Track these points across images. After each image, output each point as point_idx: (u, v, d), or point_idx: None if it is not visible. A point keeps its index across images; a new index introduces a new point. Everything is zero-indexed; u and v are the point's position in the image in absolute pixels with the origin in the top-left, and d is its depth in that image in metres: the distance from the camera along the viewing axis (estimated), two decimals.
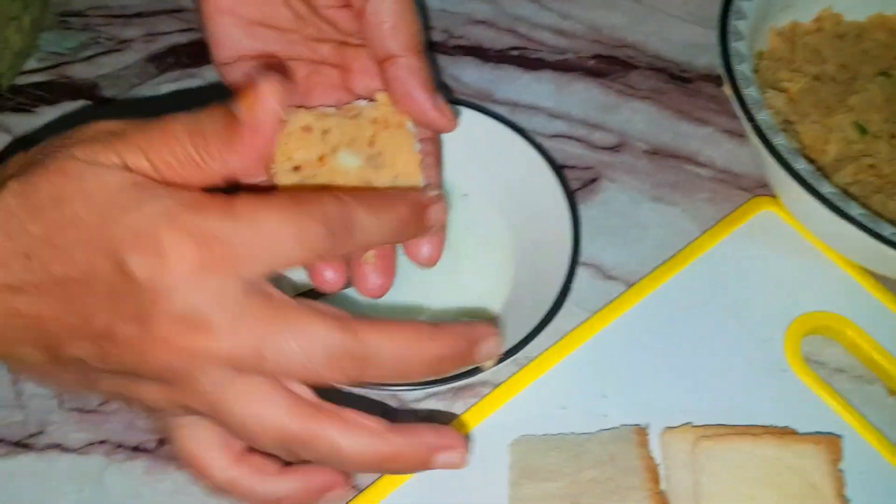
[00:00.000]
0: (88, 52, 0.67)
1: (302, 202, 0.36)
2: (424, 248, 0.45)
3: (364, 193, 0.39)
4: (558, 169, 0.56)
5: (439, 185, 0.47)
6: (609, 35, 0.69)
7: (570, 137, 0.64)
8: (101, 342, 0.35)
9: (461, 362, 0.39)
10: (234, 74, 0.48)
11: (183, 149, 0.36)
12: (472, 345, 0.38)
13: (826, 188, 0.51)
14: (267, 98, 0.37)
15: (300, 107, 0.44)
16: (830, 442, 0.49)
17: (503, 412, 0.52)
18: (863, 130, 0.59)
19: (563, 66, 0.67)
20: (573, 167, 0.63)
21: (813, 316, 0.56)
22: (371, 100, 0.45)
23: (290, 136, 0.42)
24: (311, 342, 0.35)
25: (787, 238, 0.58)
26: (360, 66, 0.48)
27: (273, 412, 0.35)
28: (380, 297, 0.46)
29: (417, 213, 0.40)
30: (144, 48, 0.67)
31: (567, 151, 0.63)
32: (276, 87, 0.37)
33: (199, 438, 0.39)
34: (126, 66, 0.66)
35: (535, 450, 0.49)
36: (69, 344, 0.35)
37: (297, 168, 0.42)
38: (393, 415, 0.53)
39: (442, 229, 0.45)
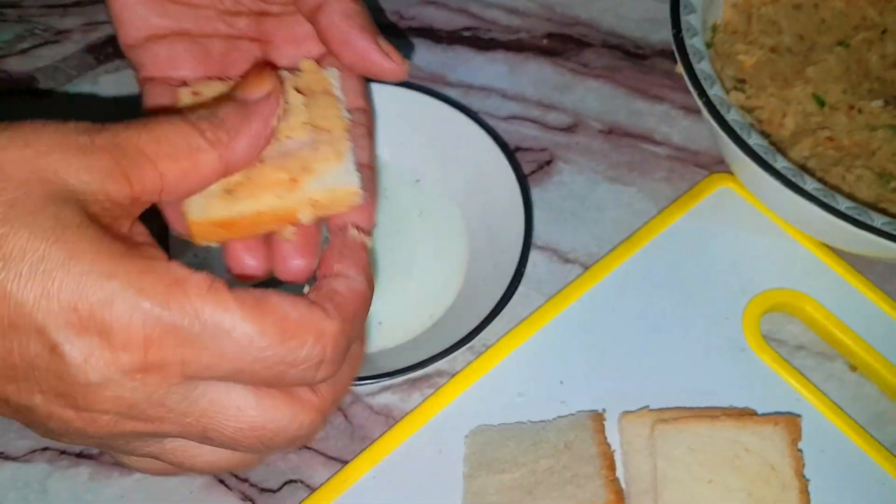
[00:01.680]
0: (25, 45, 0.64)
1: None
2: (293, 261, 0.40)
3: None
4: (511, 153, 0.55)
5: (370, 158, 0.43)
6: (562, 13, 0.68)
7: (524, 119, 0.63)
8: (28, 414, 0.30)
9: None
10: (143, 57, 0.44)
11: (185, 135, 0.33)
12: None
13: (780, 163, 0.50)
14: (270, 82, 0.36)
15: (216, 78, 0.42)
16: (789, 422, 0.48)
17: (460, 402, 0.51)
18: (821, 102, 0.58)
19: (517, 46, 0.66)
20: (528, 149, 0.61)
21: (772, 293, 0.55)
22: (295, 70, 0.42)
23: (206, 106, 0.38)
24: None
25: (745, 214, 0.57)
26: (284, 36, 0.45)
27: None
28: (303, 281, 0.41)
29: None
30: (83, 39, 0.64)
31: (522, 133, 0.62)
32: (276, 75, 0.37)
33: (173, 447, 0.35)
34: (64, 57, 0.63)
35: (492, 440, 0.48)
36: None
37: None
38: (347, 409, 0.52)
39: (368, 203, 0.40)
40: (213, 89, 0.41)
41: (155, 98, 0.43)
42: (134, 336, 0.29)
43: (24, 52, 0.64)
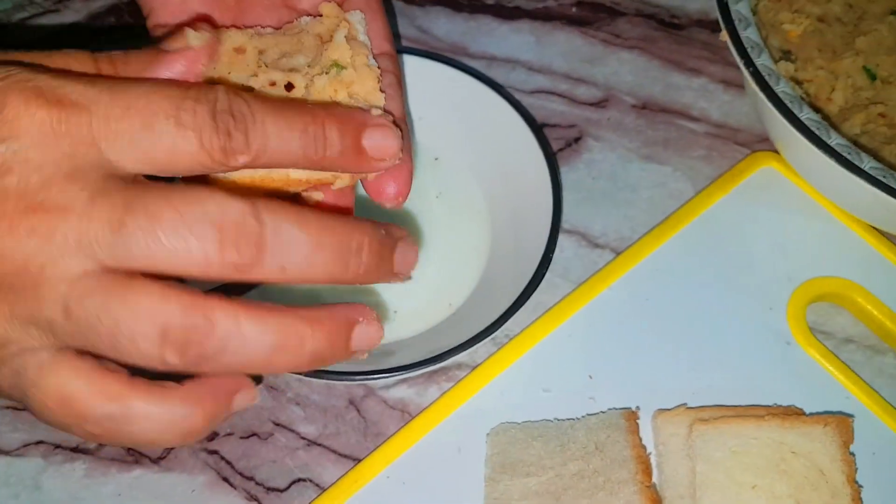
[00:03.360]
0: (23, 14, 0.61)
1: (188, 86, 0.31)
2: (389, 186, 0.39)
3: (272, 97, 0.33)
4: (538, 128, 0.51)
5: (401, 109, 0.40)
6: None
7: (551, 93, 0.59)
8: None
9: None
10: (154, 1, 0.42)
11: (81, 65, 0.32)
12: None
13: (835, 139, 0.46)
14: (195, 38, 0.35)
15: (232, 27, 0.39)
16: (840, 422, 0.44)
17: (481, 398, 0.47)
18: (872, 76, 0.53)
19: (543, 15, 0.62)
20: (555, 125, 0.57)
21: (819, 281, 0.51)
22: (316, 15, 0.40)
23: (221, 57, 0.37)
24: (192, 214, 0.29)
25: (790, 197, 0.53)
26: None
27: (150, 305, 0.29)
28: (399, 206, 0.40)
29: (345, 130, 0.34)
30: (84, 7, 0.61)
31: (548, 108, 0.58)
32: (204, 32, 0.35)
33: (70, 370, 0.30)
34: (64, 26, 0.60)
35: (516, 440, 0.44)
36: None
37: None
38: (359, 403, 0.48)
39: (405, 162, 0.38)
40: (229, 38, 0.38)
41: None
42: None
43: (22, 21, 0.61)
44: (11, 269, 0.29)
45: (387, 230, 0.34)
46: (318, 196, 0.39)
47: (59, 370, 0.30)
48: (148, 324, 0.29)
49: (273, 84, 0.37)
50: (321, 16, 0.40)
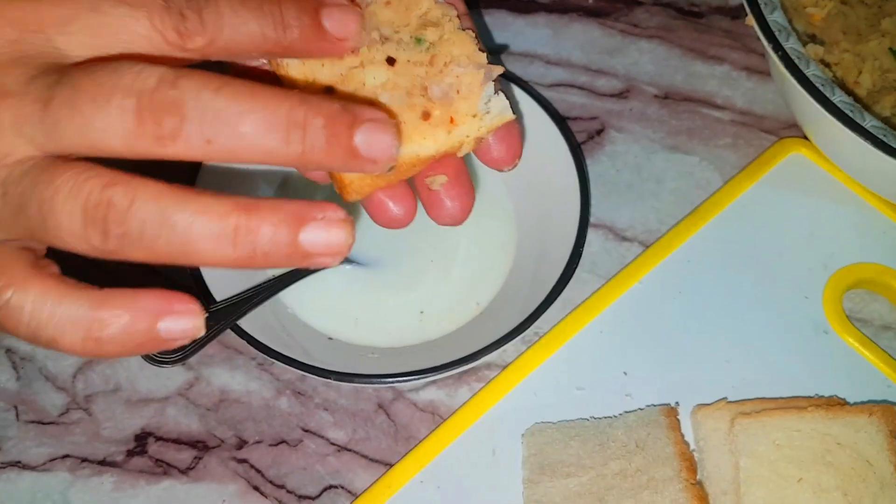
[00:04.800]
0: None
1: None
2: (501, 146, 0.37)
3: None
4: (562, 121, 0.50)
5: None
6: None
7: (571, 86, 0.58)
8: None
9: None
10: None
11: None
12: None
13: (870, 122, 0.44)
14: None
15: None
16: (886, 411, 0.43)
17: (513, 398, 0.46)
18: None
19: (560, 7, 0.61)
20: (576, 118, 0.56)
21: (854, 268, 0.50)
22: None
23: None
24: (111, 84, 0.27)
25: (821, 183, 0.52)
26: None
27: (72, 183, 0.28)
28: (460, 223, 0.39)
29: (302, 8, 0.32)
30: None
31: (568, 101, 0.57)
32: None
33: (1, 256, 0.30)
34: None
35: (553, 440, 0.43)
36: None
37: (329, 90, 0.35)
38: (388, 407, 0.47)
39: (512, 124, 0.37)
40: None
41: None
42: None
43: None
44: None
45: (345, 106, 0.29)
46: (441, 180, 0.38)
47: None
48: (69, 200, 0.28)
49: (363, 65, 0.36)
50: None
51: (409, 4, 0.37)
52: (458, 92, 0.35)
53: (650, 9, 0.60)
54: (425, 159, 0.35)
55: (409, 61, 0.36)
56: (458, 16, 0.37)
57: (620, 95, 0.57)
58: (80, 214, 0.28)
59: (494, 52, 0.59)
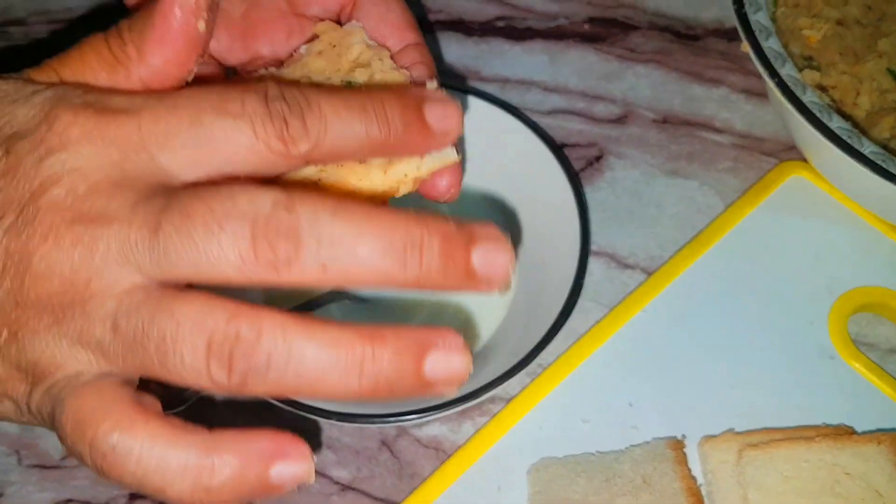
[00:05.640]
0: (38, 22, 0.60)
1: (235, 81, 0.31)
2: (441, 180, 0.37)
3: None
4: (559, 149, 0.50)
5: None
6: None
7: (568, 112, 0.57)
8: None
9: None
10: None
11: (98, 55, 0.31)
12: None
13: (868, 147, 0.44)
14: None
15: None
16: (894, 440, 0.43)
17: (518, 432, 0.45)
18: None
19: (556, 34, 0.61)
20: (574, 145, 0.56)
21: (859, 292, 0.49)
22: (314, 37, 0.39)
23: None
24: (223, 209, 0.27)
25: (822, 206, 0.52)
26: None
27: (195, 315, 0.27)
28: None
29: (405, 104, 0.31)
30: None
31: (566, 128, 0.57)
32: None
33: (95, 392, 0.28)
34: (76, 19, 0.60)
35: (559, 476, 0.42)
36: None
37: None
38: (392, 444, 0.47)
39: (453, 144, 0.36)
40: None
41: None
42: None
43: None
44: (59, 285, 0.27)
45: (460, 226, 0.28)
46: None
47: (85, 392, 0.28)
48: (193, 334, 0.27)
49: None
50: (316, 36, 0.39)
51: (341, 51, 0.37)
52: None
53: (646, 33, 0.60)
54: (366, 191, 0.35)
55: None
56: (391, 56, 0.37)
57: (618, 121, 0.57)
58: (204, 349, 0.27)
59: (491, 80, 0.59)
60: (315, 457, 0.28)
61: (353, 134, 0.30)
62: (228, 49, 0.41)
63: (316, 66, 0.37)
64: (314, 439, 0.47)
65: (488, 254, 0.28)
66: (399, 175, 0.35)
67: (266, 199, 0.27)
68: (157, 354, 0.27)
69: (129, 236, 0.27)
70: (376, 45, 0.38)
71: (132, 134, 0.29)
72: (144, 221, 0.27)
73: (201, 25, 0.31)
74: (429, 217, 0.28)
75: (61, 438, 0.28)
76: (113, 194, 0.28)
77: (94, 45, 0.32)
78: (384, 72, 0.37)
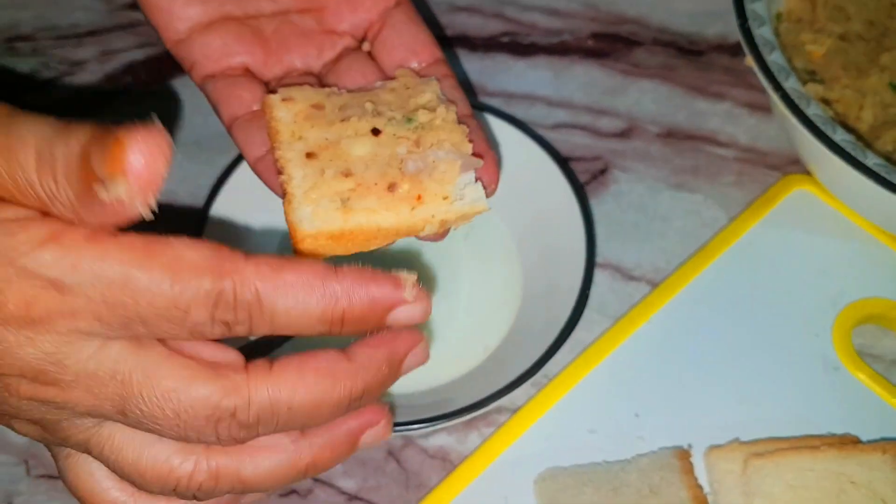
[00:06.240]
0: (40, 78, 0.61)
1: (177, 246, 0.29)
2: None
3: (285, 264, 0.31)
4: (564, 162, 0.51)
5: (468, 108, 0.41)
6: (607, 10, 0.63)
7: (573, 127, 0.58)
8: None
9: (383, 388, 0.34)
10: (193, 51, 0.41)
11: (24, 174, 0.28)
12: (395, 366, 0.34)
13: (871, 159, 0.45)
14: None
15: (306, 83, 0.40)
16: None
17: (524, 442, 0.46)
18: None
19: (560, 49, 0.61)
20: (579, 159, 0.57)
21: (863, 304, 0.50)
22: (389, 78, 0.41)
23: (298, 116, 0.38)
24: (184, 405, 0.30)
25: (826, 218, 0.52)
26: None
27: (147, 454, 0.32)
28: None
29: (368, 318, 0.32)
30: (99, 69, 0.61)
31: (571, 142, 0.57)
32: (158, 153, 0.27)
33: (90, 469, 0.34)
34: (81, 89, 0.60)
35: (566, 486, 0.43)
36: None
37: (310, 155, 0.37)
38: (398, 453, 0.47)
39: (489, 156, 0.38)
40: (305, 96, 0.39)
41: (230, 107, 0.40)
42: (13, 293, 0.28)
43: (39, 86, 0.61)
44: (29, 417, 0.32)
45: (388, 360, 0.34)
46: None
47: None
48: None
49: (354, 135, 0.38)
50: (393, 78, 0.41)
51: (413, 94, 0.39)
52: (431, 173, 0.36)
53: (650, 48, 0.61)
54: (385, 233, 0.35)
55: (394, 135, 0.37)
56: (457, 112, 0.39)
57: (623, 135, 0.58)
58: None
59: (496, 95, 0.59)
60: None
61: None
62: (264, 63, 0.42)
63: (385, 98, 0.39)
64: None
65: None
66: (426, 214, 0.36)
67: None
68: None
69: None
70: (446, 99, 0.40)
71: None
72: None
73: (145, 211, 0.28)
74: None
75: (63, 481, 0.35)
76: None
77: (23, 156, 0.28)
78: (446, 121, 0.38)
